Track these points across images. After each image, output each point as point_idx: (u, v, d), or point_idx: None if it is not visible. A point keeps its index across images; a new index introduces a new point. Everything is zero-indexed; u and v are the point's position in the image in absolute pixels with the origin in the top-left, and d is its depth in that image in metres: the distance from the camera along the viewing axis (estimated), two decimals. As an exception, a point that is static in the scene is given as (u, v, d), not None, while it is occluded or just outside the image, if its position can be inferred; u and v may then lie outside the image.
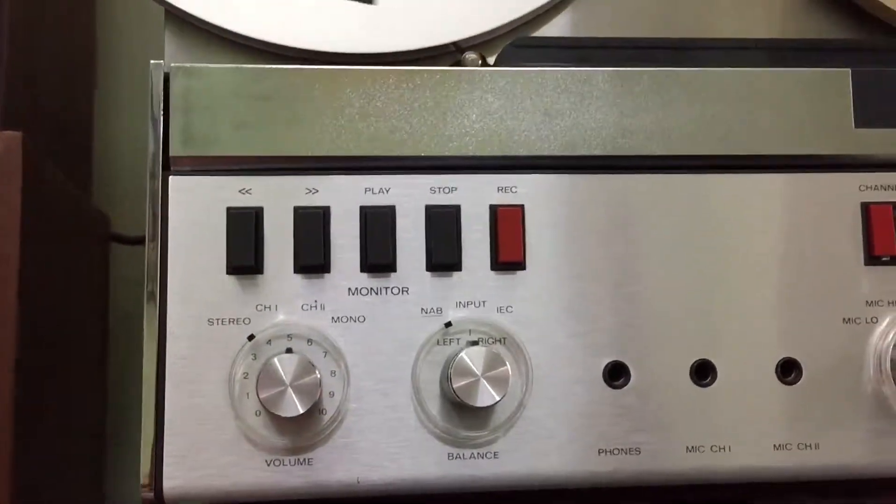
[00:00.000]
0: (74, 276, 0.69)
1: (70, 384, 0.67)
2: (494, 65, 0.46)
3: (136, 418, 0.41)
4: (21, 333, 0.50)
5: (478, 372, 0.39)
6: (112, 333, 0.80)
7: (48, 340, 0.58)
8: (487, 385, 0.39)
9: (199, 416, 0.40)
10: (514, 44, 0.46)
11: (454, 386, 0.39)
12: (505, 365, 0.39)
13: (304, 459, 0.40)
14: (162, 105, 0.42)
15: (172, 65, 0.42)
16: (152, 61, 0.42)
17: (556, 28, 0.48)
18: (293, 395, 0.38)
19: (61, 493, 0.64)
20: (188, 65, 0.42)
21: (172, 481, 0.40)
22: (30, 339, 0.52)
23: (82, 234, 0.72)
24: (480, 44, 0.47)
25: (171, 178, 0.41)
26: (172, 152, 0.41)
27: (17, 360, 0.50)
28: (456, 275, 0.42)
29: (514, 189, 0.43)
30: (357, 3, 0.45)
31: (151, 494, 0.40)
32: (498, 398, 0.39)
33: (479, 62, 0.45)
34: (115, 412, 0.80)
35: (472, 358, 0.39)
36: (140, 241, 0.74)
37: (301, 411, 0.38)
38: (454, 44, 0.46)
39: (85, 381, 0.73)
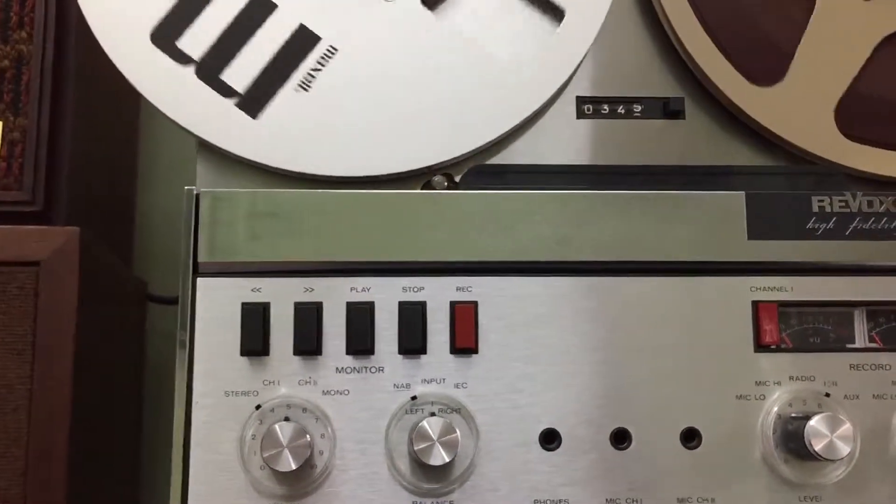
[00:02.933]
0: (117, 333, 0.80)
1: (113, 422, 0.78)
2: (459, 183, 0.57)
3: (166, 456, 0.51)
4: (75, 383, 0.62)
5: (434, 437, 0.49)
6: (146, 380, 0.92)
7: (95, 387, 0.70)
8: (441, 448, 0.49)
9: (216, 469, 0.51)
10: (474, 170, 0.56)
11: (414, 448, 0.49)
12: (456, 432, 0.49)
13: (299, 504, 0.51)
14: (193, 221, 0.53)
15: (202, 189, 0.53)
16: (186, 187, 0.53)
17: (512, 153, 0.59)
18: (288, 455, 0.49)
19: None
20: (214, 190, 0.53)
21: (195, 520, 0.51)
22: (82, 387, 0.64)
23: (123, 299, 0.84)
24: (450, 166, 0.58)
25: (199, 279, 0.52)
26: (200, 258, 0.52)
27: (72, 400, 0.61)
28: (422, 357, 0.52)
29: (469, 288, 0.53)
30: (350, 133, 0.57)
31: (179, 530, 0.51)
32: (448, 459, 0.49)
33: (445, 183, 0.56)
34: (148, 445, 0.91)
35: (431, 426, 0.50)
36: (171, 301, 0.86)
37: (294, 467, 0.48)
38: (427, 167, 0.57)
39: (124, 419, 0.84)
